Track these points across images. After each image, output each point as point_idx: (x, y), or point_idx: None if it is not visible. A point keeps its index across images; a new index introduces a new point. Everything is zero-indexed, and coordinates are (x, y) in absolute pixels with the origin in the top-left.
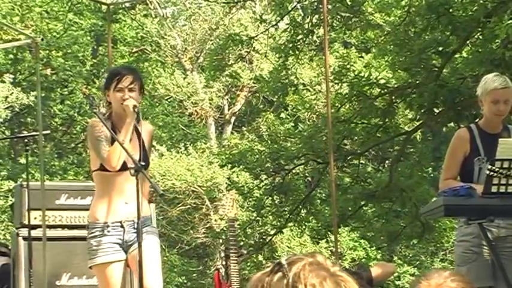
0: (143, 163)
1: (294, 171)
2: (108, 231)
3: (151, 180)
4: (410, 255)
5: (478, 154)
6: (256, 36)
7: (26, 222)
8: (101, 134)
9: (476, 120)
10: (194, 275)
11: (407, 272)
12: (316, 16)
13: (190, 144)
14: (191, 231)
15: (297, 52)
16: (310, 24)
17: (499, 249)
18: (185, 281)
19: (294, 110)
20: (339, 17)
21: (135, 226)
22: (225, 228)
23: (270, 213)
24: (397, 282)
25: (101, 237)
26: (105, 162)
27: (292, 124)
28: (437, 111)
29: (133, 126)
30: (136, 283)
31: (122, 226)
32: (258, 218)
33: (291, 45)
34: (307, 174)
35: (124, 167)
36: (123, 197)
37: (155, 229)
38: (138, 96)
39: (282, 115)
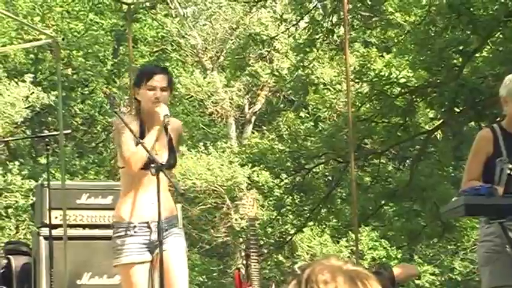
0: (171, 162)
1: (314, 170)
2: (135, 232)
3: (172, 180)
4: (431, 255)
5: (501, 155)
6: (276, 35)
7: (46, 221)
8: (126, 132)
9: (498, 119)
10: (215, 274)
11: (428, 271)
12: (336, 15)
13: (210, 144)
14: (212, 231)
15: (317, 50)
16: (330, 23)
17: None
18: (206, 280)
19: (314, 109)
20: (359, 16)
21: (163, 226)
22: (245, 228)
23: (290, 213)
24: (417, 282)
25: (127, 237)
26: (126, 163)
27: (312, 123)
28: (457, 110)
29: (163, 125)
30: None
31: (148, 227)
32: (278, 217)
33: (309, 44)
34: (327, 174)
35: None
36: (150, 196)
37: (181, 231)
38: (168, 97)
39: (302, 114)
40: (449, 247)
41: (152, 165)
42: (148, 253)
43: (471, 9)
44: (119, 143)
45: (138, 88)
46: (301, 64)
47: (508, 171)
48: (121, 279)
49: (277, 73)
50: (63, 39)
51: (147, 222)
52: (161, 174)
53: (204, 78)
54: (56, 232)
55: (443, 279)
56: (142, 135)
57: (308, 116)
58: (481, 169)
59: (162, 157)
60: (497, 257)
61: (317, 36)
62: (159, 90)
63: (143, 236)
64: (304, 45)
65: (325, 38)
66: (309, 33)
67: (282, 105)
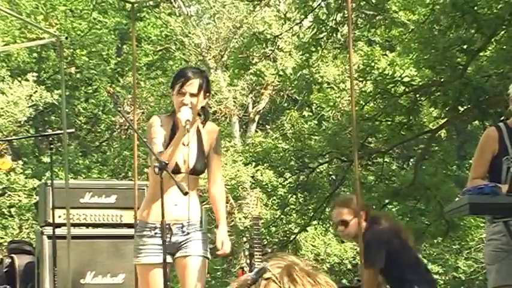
0: (197, 167)
1: (318, 169)
2: (156, 233)
3: (176, 180)
4: (435, 254)
5: (507, 153)
6: (280, 34)
7: (50, 220)
8: (156, 135)
9: (502, 118)
10: (218, 273)
11: (432, 270)
12: (340, 14)
13: None
14: (215, 230)
15: (319, 49)
16: (334, 22)
17: None
18: (209, 279)
19: (318, 108)
20: (363, 15)
21: (184, 229)
22: (249, 227)
23: (294, 212)
24: None
25: (148, 237)
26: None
27: (316, 122)
28: (462, 109)
29: (195, 128)
30: None
31: (169, 228)
32: (282, 216)
33: (314, 42)
34: (331, 172)
35: (180, 171)
36: (173, 198)
37: (205, 235)
38: (201, 102)
39: (306, 113)
40: (453, 246)
41: (156, 164)
42: (168, 255)
43: (475, 7)
44: (149, 143)
45: (172, 90)
46: (306, 63)
47: None
48: (139, 279)
49: (282, 73)
50: (66, 38)
51: (169, 224)
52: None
53: None
54: (59, 231)
55: (447, 278)
56: (172, 137)
57: (312, 114)
58: (487, 167)
59: (189, 163)
60: (504, 256)
61: (321, 35)
62: (188, 96)
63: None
64: (308, 44)
65: (329, 37)
66: (314, 32)
67: (285, 104)
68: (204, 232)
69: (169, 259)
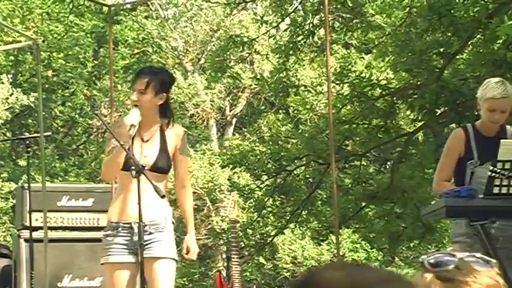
0: (158, 165)
1: (295, 172)
2: (118, 232)
3: (153, 182)
4: (412, 257)
5: (472, 155)
6: (257, 37)
7: (27, 223)
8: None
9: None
10: (196, 276)
11: (408, 274)
12: (317, 17)
13: (190, 146)
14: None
15: (298, 52)
16: (311, 25)
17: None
18: (186, 283)
19: (295, 111)
20: (340, 18)
21: (146, 229)
22: (226, 230)
23: (271, 214)
24: None
25: (112, 236)
26: (104, 164)
27: (291, 125)
28: (438, 112)
29: (159, 128)
30: None
31: (131, 227)
32: (259, 219)
33: (291, 45)
34: (308, 175)
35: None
36: (135, 198)
37: (168, 236)
38: (151, 101)
39: (282, 116)
40: (429, 249)
41: (133, 167)
42: (131, 255)
43: (452, 11)
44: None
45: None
46: (283, 67)
47: (489, 173)
48: (107, 278)
49: (259, 77)
50: (43, 41)
51: (130, 223)
52: (152, 177)
53: (185, 80)
54: (36, 234)
55: None
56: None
57: (289, 116)
58: (453, 168)
59: (149, 161)
60: None
61: (298, 38)
62: (136, 93)
63: (125, 237)
64: (285, 47)
65: (306, 40)
66: (291, 35)
67: (263, 107)
68: (168, 233)
69: (133, 259)
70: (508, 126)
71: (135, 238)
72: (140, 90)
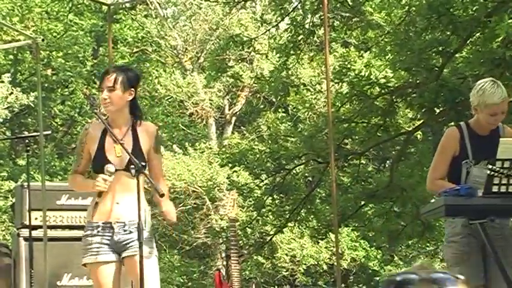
0: (143, 163)
1: (294, 170)
2: (98, 232)
3: (152, 181)
4: (411, 255)
5: (466, 154)
6: (257, 37)
7: (26, 222)
8: (82, 147)
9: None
10: (195, 275)
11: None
12: (317, 16)
13: (189, 145)
14: (192, 232)
15: (298, 52)
16: (311, 24)
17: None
18: (186, 281)
19: (295, 109)
20: (339, 17)
21: (126, 228)
22: (225, 228)
23: (270, 213)
24: None
25: (92, 236)
26: (70, 179)
27: (290, 123)
28: (438, 111)
29: (131, 127)
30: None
31: (111, 227)
32: (258, 218)
33: (291, 45)
34: (307, 174)
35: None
36: (116, 198)
37: (149, 234)
38: (121, 97)
39: (281, 115)
40: (427, 248)
41: (132, 166)
42: (113, 254)
43: (451, 9)
44: (76, 153)
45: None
46: (284, 66)
47: (488, 171)
48: (92, 278)
49: (260, 76)
50: (43, 40)
51: (110, 223)
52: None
53: (184, 79)
54: (36, 233)
55: None
56: (102, 141)
57: (288, 115)
58: (447, 166)
59: (123, 160)
60: (467, 258)
61: (299, 38)
62: (105, 91)
63: (105, 236)
64: (286, 47)
65: (306, 40)
66: (291, 35)
67: (262, 106)
68: (147, 231)
69: (114, 258)
70: (500, 124)
71: (116, 237)
72: (109, 88)
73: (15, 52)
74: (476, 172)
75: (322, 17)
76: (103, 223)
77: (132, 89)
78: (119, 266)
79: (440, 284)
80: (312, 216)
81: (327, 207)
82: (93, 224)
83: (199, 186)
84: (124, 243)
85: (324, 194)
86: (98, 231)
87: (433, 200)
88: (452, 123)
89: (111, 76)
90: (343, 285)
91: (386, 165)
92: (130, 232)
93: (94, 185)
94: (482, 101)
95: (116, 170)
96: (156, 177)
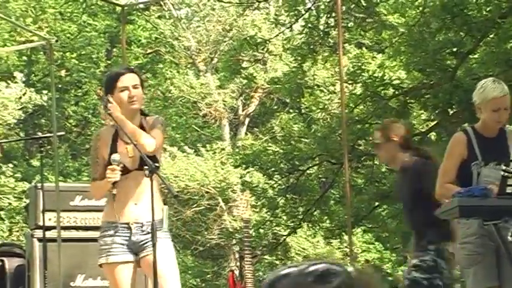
0: (157, 164)
1: (308, 171)
2: (116, 232)
3: (166, 181)
4: None
5: (475, 158)
6: (271, 38)
7: (40, 223)
8: (97, 153)
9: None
10: (208, 276)
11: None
12: (331, 17)
13: (201, 146)
14: (205, 232)
15: (314, 54)
16: (325, 25)
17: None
18: (199, 283)
19: (308, 110)
20: (353, 18)
21: (143, 228)
22: (238, 229)
23: (283, 214)
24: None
25: (109, 237)
26: (91, 187)
27: (303, 124)
28: (451, 111)
29: (140, 127)
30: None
31: (129, 228)
32: (271, 219)
33: (306, 47)
34: (321, 175)
35: (128, 170)
36: (133, 198)
37: (167, 233)
38: (142, 95)
39: (295, 116)
40: None
41: (146, 167)
42: (130, 254)
43: (465, 10)
44: (91, 160)
45: (111, 94)
46: (300, 68)
47: (502, 173)
48: (108, 279)
49: (276, 79)
50: (56, 40)
51: (128, 223)
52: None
53: (198, 79)
54: (49, 234)
55: None
56: (114, 145)
57: (301, 115)
58: (456, 172)
59: (136, 161)
60: (480, 259)
61: (314, 40)
62: (131, 89)
63: (123, 237)
64: (301, 48)
65: (322, 42)
66: (306, 37)
67: (275, 107)
68: (165, 231)
69: (131, 258)
70: (507, 127)
71: (134, 238)
72: (135, 86)
73: (29, 53)
74: (487, 172)
75: (336, 18)
76: (120, 223)
77: (143, 90)
78: (136, 266)
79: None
80: (325, 217)
81: (341, 208)
82: (110, 224)
83: (213, 187)
84: (141, 243)
85: (337, 195)
86: (116, 232)
87: (447, 201)
88: (466, 124)
89: (133, 75)
90: None
91: None
92: (148, 233)
93: (106, 180)
94: (484, 97)
95: (130, 171)
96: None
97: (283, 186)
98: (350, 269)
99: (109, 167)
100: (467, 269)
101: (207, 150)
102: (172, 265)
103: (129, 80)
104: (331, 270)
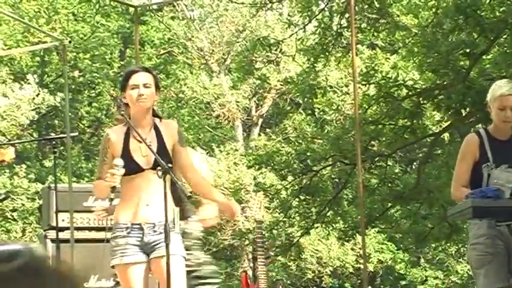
0: (170, 165)
1: (321, 172)
2: (128, 233)
3: (179, 182)
4: (438, 258)
5: (487, 160)
6: (284, 39)
7: (53, 224)
8: (105, 153)
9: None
10: (222, 276)
11: (432, 275)
12: (345, 18)
13: (215, 147)
14: (218, 233)
15: (327, 54)
16: (338, 26)
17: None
18: None
19: (321, 111)
20: (366, 19)
21: (155, 229)
22: (251, 230)
23: (297, 215)
24: (420, 287)
25: (122, 238)
26: (94, 186)
27: (317, 126)
28: (465, 112)
29: (153, 126)
30: None
31: (141, 228)
32: (284, 219)
33: (320, 48)
34: (334, 176)
35: (142, 169)
36: (145, 199)
37: (177, 235)
38: (153, 94)
39: (307, 117)
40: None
41: (159, 168)
42: (142, 254)
43: (478, 11)
44: (99, 159)
45: (124, 92)
46: (313, 69)
47: None
48: (120, 280)
49: (290, 80)
50: (70, 41)
51: (140, 224)
52: (155, 177)
53: (211, 80)
54: (62, 235)
55: (451, 282)
56: (127, 143)
57: (314, 116)
58: (469, 174)
59: (150, 160)
60: (491, 259)
61: (327, 41)
62: (141, 87)
63: (136, 238)
64: (314, 50)
65: (335, 43)
66: (319, 38)
67: (288, 108)
68: (176, 232)
69: (144, 258)
70: None
71: (146, 239)
72: (146, 85)
73: (42, 54)
74: (497, 174)
75: (349, 19)
76: (132, 224)
77: (159, 90)
78: (148, 267)
79: None
80: (338, 218)
81: (354, 209)
82: (122, 225)
83: (226, 188)
84: (153, 244)
85: (350, 196)
86: (128, 233)
87: (460, 202)
88: (480, 125)
89: (145, 74)
90: (369, 287)
91: (413, 167)
92: (160, 233)
93: (105, 182)
94: (492, 95)
95: (143, 170)
96: (188, 168)
97: (296, 187)
98: (38, 252)
99: (109, 170)
100: (478, 270)
101: (220, 151)
102: (179, 272)
103: (140, 78)
104: (14, 251)
